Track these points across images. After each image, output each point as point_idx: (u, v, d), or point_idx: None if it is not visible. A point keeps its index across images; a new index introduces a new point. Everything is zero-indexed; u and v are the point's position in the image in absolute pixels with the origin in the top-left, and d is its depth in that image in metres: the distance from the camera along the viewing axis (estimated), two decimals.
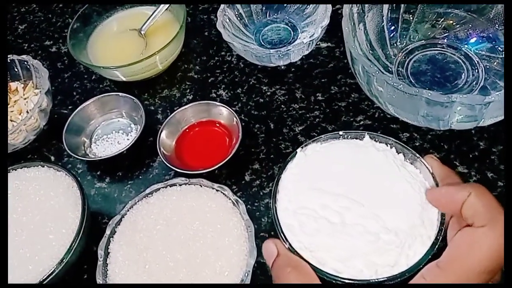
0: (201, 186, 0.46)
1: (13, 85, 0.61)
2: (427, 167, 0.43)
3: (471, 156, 0.51)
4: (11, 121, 0.58)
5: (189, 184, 0.46)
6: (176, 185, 0.46)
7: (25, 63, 0.60)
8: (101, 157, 0.54)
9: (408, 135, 0.53)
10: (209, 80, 0.63)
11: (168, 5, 0.63)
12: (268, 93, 0.60)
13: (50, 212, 0.46)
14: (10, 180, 0.49)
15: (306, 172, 0.43)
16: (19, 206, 0.47)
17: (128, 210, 0.45)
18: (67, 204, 0.46)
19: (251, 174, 0.53)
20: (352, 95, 0.58)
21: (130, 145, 0.54)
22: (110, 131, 0.59)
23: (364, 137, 0.46)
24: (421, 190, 0.42)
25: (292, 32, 0.63)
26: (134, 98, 0.58)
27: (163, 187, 0.46)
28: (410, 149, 0.45)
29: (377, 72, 0.44)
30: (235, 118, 0.54)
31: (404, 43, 0.57)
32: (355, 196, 0.40)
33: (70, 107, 0.63)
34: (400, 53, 0.57)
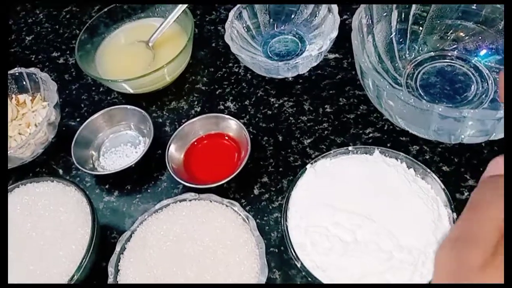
0: (211, 202, 0.46)
1: (21, 97, 0.61)
2: (438, 183, 0.43)
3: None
4: (20, 134, 0.58)
5: (198, 200, 0.46)
6: (185, 200, 0.46)
7: (33, 75, 0.61)
8: (109, 171, 0.54)
9: (418, 148, 0.53)
10: (217, 92, 0.63)
11: (185, 5, 0.62)
12: (276, 105, 0.60)
13: (60, 228, 0.46)
14: (19, 195, 0.49)
15: (316, 189, 0.43)
16: (28, 221, 0.47)
17: (138, 226, 0.45)
18: (76, 220, 0.46)
19: (260, 188, 0.53)
20: (361, 107, 0.58)
21: (138, 158, 0.54)
22: (118, 144, 0.58)
23: (373, 152, 0.46)
24: (434, 206, 0.41)
25: (299, 44, 0.63)
26: (142, 111, 0.58)
27: (172, 203, 0.46)
28: (421, 164, 0.44)
29: (387, 87, 0.44)
30: (244, 131, 0.54)
31: (413, 55, 0.57)
32: (367, 213, 0.40)
33: (78, 119, 0.63)
34: (409, 65, 0.56)
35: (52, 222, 0.46)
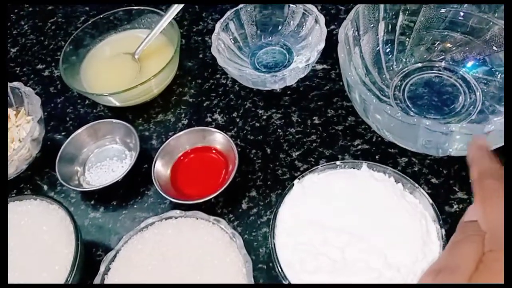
0: (197, 219, 0.45)
1: None
2: (426, 198, 0.42)
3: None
4: None
5: (184, 217, 0.45)
6: (171, 218, 0.45)
7: (17, 90, 0.59)
8: (95, 186, 0.53)
9: (406, 159, 0.53)
10: (204, 104, 0.62)
11: (181, 5, 0.61)
12: (264, 117, 0.59)
13: (43, 248, 0.45)
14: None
15: (304, 206, 0.43)
16: (11, 241, 0.46)
17: (122, 246, 0.44)
18: (60, 239, 0.45)
19: (248, 202, 0.52)
20: (349, 119, 0.57)
21: (125, 173, 0.53)
22: (104, 158, 0.58)
23: (361, 166, 0.45)
24: (422, 222, 0.41)
25: (287, 55, 0.62)
26: (128, 124, 0.57)
27: (158, 221, 0.45)
28: (409, 178, 0.44)
29: (374, 101, 0.44)
30: (231, 145, 0.53)
31: (401, 67, 0.57)
32: (355, 230, 0.40)
33: (63, 133, 0.62)
34: (396, 77, 0.56)
35: (35, 241, 0.45)
